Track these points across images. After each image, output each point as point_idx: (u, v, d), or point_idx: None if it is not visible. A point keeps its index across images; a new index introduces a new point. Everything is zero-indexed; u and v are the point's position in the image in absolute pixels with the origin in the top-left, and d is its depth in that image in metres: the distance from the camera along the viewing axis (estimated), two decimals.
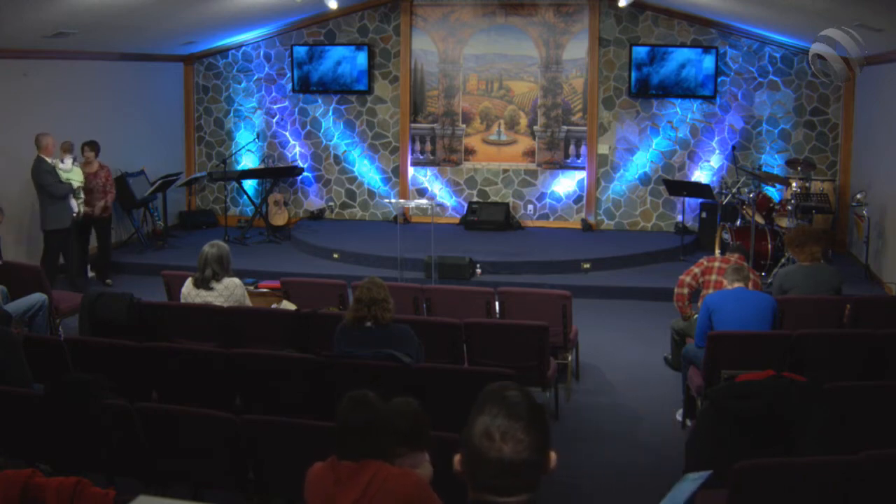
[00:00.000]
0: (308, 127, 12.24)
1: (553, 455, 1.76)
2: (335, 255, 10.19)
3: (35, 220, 9.09)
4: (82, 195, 8.80)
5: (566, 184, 11.70)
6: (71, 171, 8.66)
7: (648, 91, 11.24)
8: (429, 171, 12.02)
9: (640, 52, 11.16)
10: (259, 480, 4.00)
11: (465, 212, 11.74)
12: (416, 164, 12.03)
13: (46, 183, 8.35)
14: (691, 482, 3.04)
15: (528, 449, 1.69)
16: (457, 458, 1.77)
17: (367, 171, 12.17)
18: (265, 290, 7.32)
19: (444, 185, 11.99)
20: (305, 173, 12.26)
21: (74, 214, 8.64)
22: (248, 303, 6.04)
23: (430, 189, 12.01)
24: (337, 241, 10.55)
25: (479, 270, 9.41)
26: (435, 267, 9.07)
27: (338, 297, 6.60)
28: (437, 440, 3.54)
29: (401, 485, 2.85)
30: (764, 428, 4.00)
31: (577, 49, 11.46)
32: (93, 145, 9.10)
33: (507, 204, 11.68)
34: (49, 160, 8.44)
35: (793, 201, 9.27)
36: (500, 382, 1.81)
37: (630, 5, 10.65)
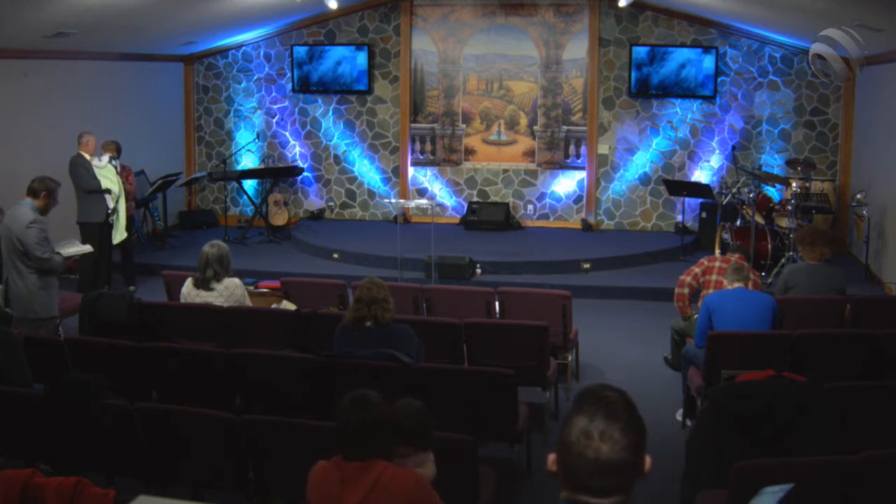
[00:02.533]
0: (308, 127, 12.24)
1: (648, 458, 1.77)
2: (335, 255, 10.19)
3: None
4: (112, 197, 8.76)
5: (566, 184, 11.70)
6: (104, 169, 8.65)
7: (648, 91, 11.24)
8: (429, 171, 12.02)
9: (640, 52, 11.16)
10: (259, 480, 4.00)
11: (465, 212, 11.74)
12: (416, 164, 12.03)
13: (77, 175, 8.40)
14: (770, 496, 3.03)
15: (625, 450, 1.70)
16: (551, 457, 1.77)
17: (367, 171, 12.17)
18: (265, 290, 7.32)
19: (444, 185, 11.99)
20: (305, 173, 12.26)
21: (108, 212, 8.62)
22: (248, 303, 6.04)
23: (430, 189, 12.01)
24: (337, 241, 10.55)
25: (479, 270, 9.41)
26: (435, 267, 9.07)
27: (338, 297, 6.60)
28: (439, 440, 3.54)
29: (404, 485, 2.86)
30: (764, 428, 4.00)
31: (577, 49, 11.46)
32: (109, 146, 9.11)
33: (507, 204, 11.68)
34: (87, 157, 8.47)
35: (793, 201, 9.27)
36: (598, 384, 1.83)
37: (630, 5, 10.65)
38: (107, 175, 8.67)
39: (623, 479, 1.71)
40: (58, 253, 6.42)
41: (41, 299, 6.29)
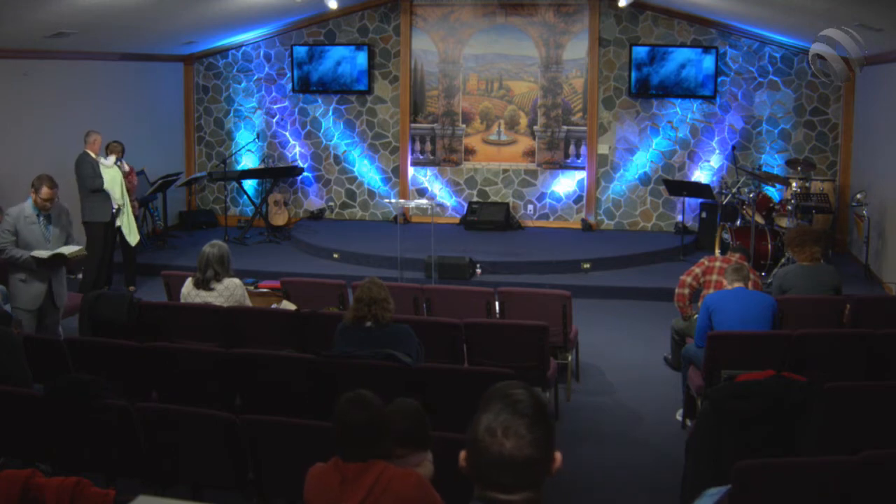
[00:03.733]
0: (308, 127, 12.24)
1: (558, 455, 1.77)
2: (335, 255, 10.19)
3: None
4: (114, 199, 8.75)
5: (566, 184, 11.70)
6: (110, 170, 8.64)
7: (648, 91, 11.24)
8: (429, 171, 12.02)
9: (640, 52, 11.17)
10: (259, 480, 4.00)
11: (465, 212, 11.74)
12: (416, 164, 12.03)
13: (83, 174, 8.39)
14: (710, 497, 3.04)
15: (530, 445, 1.70)
16: (462, 454, 1.79)
17: (367, 171, 12.17)
18: (265, 290, 7.32)
19: (444, 185, 11.99)
20: (305, 173, 12.26)
21: (114, 210, 8.61)
22: (249, 303, 6.04)
23: (430, 189, 12.02)
24: (337, 241, 10.55)
25: (479, 270, 9.41)
26: (435, 267, 9.08)
27: (338, 297, 6.60)
28: (438, 440, 3.54)
29: (404, 485, 2.85)
30: (764, 428, 4.00)
31: (577, 49, 11.46)
32: (113, 147, 9.11)
33: (507, 204, 11.68)
34: (93, 156, 8.47)
35: (793, 201, 9.27)
36: (506, 381, 1.83)
37: (630, 5, 10.65)
38: (112, 176, 8.65)
39: (528, 474, 1.71)
40: (27, 250, 6.22)
41: (8, 290, 6.24)
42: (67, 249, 6.26)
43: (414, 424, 3.26)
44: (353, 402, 2.95)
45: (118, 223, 8.75)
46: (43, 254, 6.12)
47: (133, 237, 8.83)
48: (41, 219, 6.24)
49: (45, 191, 6.11)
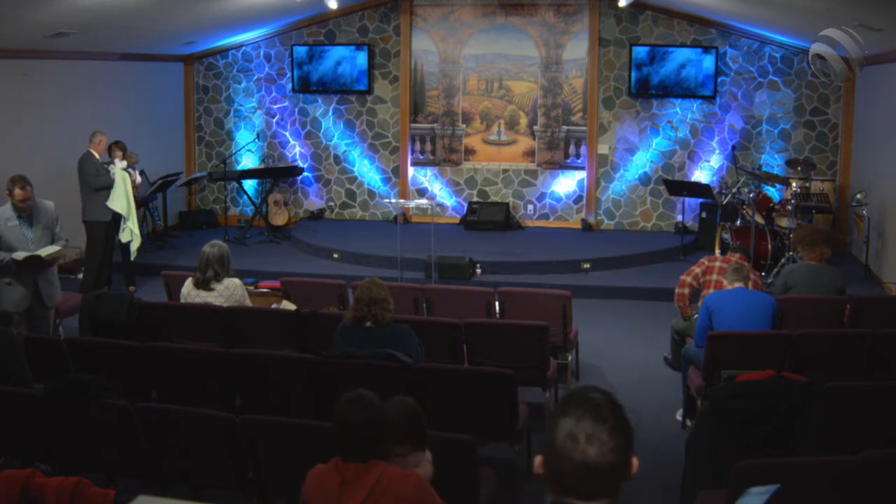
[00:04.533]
0: (308, 127, 12.24)
1: (636, 460, 1.74)
2: (335, 255, 10.19)
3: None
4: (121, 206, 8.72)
5: (566, 184, 11.70)
6: (119, 174, 8.61)
7: (648, 91, 11.24)
8: (429, 171, 12.02)
9: (640, 52, 11.17)
10: (259, 480, 4.00)
11: (465, 212, 11.74)
12: (416, 164, 12.03)
13: (86, 173, 8.37)
14: (756, 497, 3.02)
15: (612, 452, 1.68)
16: (538, 459, 1.76)
17: (367, 171, 12.17)
18: (265, 290, 7.32)
19: (444, 185, 11.99)
20: (305, 173, 12.26)
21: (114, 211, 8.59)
22: (249, 303, 6.04)
23: (430, 189, 12.02)
24: (337, 241, 10.55)
25: (479, 270, 9.41)
26: (435, 267, 9.08)
27: (338, 297, 6.60)
28: (438, 440, 3.54)
29: (404, 485, 2.85)
30: (764, 428, 4.00)
31: (577, 49, 11.46)
32: (120, 145, 9.10)
33: (507, 204, 11.68)
34: (97, 156, 8.44)
35: (793, 201, 9.27)
36: (584, 385, 1.81)
37: (630, 5, 10.65)
38: (121, 178, 8.60)
39: (609, 481, 1.69)
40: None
41: None
42: (45, 251, 6.10)
43: (411, 422, 3.26)
44: (353, 402, 2.94)
45: (123, 238, 8.65)
46: (19, 255, 5.98)
47: (135, 241, 8.75)
48: (21, 220, 6.08)
49: (17, 192, 5.95)
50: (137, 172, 9.53)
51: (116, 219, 8.59)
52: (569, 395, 1.77)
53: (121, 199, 8.50)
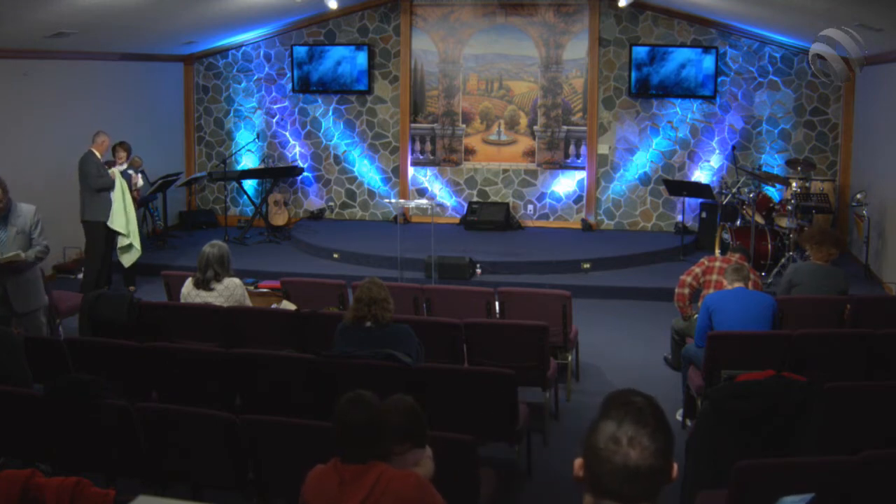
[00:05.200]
0: (308, 127, 12.24)
1: (676, 464, 1.74)
2: (335, 255, 10.19)
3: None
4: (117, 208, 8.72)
5: (566, 184, 11.70)
6: (117, 178, 8.62)
7: (648, 91, 11.24)
8: (429, 171, 12.02)
9: (640, 52, 11.16)
10: (259, 480, 4.00)
11: (465, 212, 11.74)
12: (416, 164, 12.03)
13: (87, 172, 8.33)
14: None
15: (653, 455, 1.67)
16: (578, 462, 1.75)
17: (367, 171, 12.17)
18: (265, 290, 7.32)
19: (444, 185, 11.99)
20: (305, 173, 12.26)
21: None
22: (249, 303, 6.04)
23: (430, 189, 12.02)
24: (337, 241, 10.55)
25: (479, 270, 9.41)
26: (435, 267, 9.07)
27: (338, 297, 6.60)
28: (439, 440, 3.54)
29: (404, 486, 2.85)
30: (764, 428, 4.00)
31: (577, 49, 11.46)
32: (124, 145, 9.10)
33: (507, 204, 11.68)
34: (99, 156, 8.42)
35: (793, 201, 9.27)
36: (624, 388, 1.80)
37: (630, 5, 10.65)
38: (118, 195, 8.59)
39: (650, 484, 1.68)
40: None
41: None
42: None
43: (410, 420, 3.26)
44: (353, 402, 2.94)
45: (124, 260, 8.63)
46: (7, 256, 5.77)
47: (136, 241, 8.73)
48: None
49: None
50: (139, 175, 9.52)
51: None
52: (610, 398, 1.77)
53: (120, 218, 8.46)
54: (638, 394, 1.77)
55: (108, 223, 8.42)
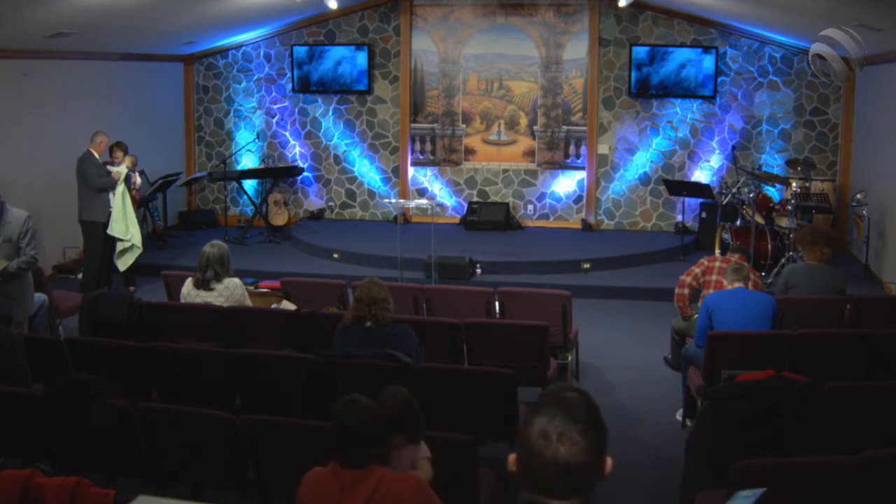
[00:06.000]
0: (308, 127, 12.24)
1: (610, 460, 1.75)
2: (335, 255, 10.19)
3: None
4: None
5: (566, 184, 11.70)
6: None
7: (648, 91, 11.24)
8: (429, 171, 12.02)
9: (640, 52, 11.16)
10: (259, 480, 4.00)
11: (465, 212, 11.74)
12: (416, 164, 12.03)
13: (88, 173, 8.30)
14: (744, 500, 3.03)
15: (584, 451, 1.68)
16: (511, 457, 1.76)
17: (367, 171, 12.17)
18: (265, 290, 7.32)
19: (444, 185, 11.99)
20: (305, 173, 12.26)
21: (110, 210, 8.57)
22: (249, 303, 6.04)
23: (430, 189, 12.02)
24: (337, 241, 10.55)
25: (479, 270, 9.41)
26: (435, 267, 9.08)
27: (338, 297, 6.60)
28: (438, 440, 3.54)
29: (405, 489, 2.84)
30: (764, 428, 4.00)
31: (577, 49, 11.46)
32: (121, 146, 9.10)
33: (507, 204, 11.68)
34: (97, 156, 8.41)
35: (793, 201, 9.27)
36: (560, 384, 1.83)
37: (630, 5, 10.65)
38: (119, 200, 8.58)
39: (581, 480, 1.69)
40: None
41: None
42: None
43: (405, 411, 3.28)
44: (350, 405, 2.95)
45: (120, 264, 8.63)
46: None
47: (135, 255, 8.72)
48: None
49: None
50: (138, 174, 9.52)
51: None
52: (544, 394, 1.78)
53: (119, 224, 8.45)
54: (573, 389, 1.77)
55: (108, 230, 8.41)
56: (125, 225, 8.50)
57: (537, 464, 1.69)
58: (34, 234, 6.02)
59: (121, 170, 8.56)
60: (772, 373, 4.23)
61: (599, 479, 1.73)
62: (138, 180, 9.54)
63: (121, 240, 8.51)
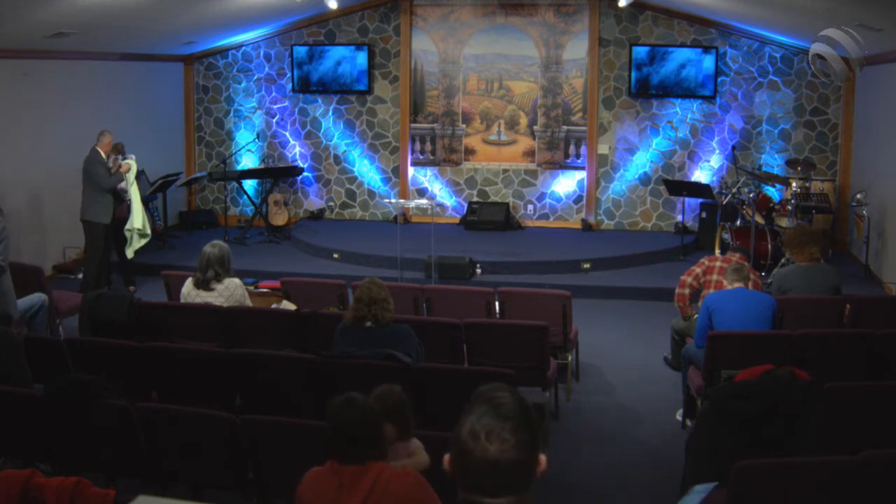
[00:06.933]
0: (308, 127, 12.24)
1: (543, 458, 1.75)
2: (335, 255, 10.19)
3: (37, 220, 9.10)
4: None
5: (566, 184, 11.70)
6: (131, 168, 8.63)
7: (648, 91, 11.24)
8: (429, 171, 12.02)
9: (640, 52, 11.16)
10: (259, 480, 4.00)
11: (465, 212, 11.74)
12: (416, 164, 12.03)
13: (96, 173, 8.27)
14: (697, 494, 3.04)
15: (513, 449, 1.68)
16: (446, 457, 1.78)
17: (367, 171, 12.17)
18: (265, 290, 7.32)
19: (444, 185, 11.99)
20: (305, 173, 12.26)
21: (114, 212, 8.55)
22: (249, 303, 6.04)
23: (430, 189, 12.02)
24: (337, 241, 10.55)
25: (479, 270, 9.41)
26: (435, 267, 9.08)
27: (338, 297, 6.60)
28: (437, 440, 3.54)
29: (403, 485, 2.85)
30: (764, 428, 4.00)
31: (577, 49, 11.46)
32: (118, 147, 9.09)
33: (507, 204, 11.68)
34: (104, 155, 8.40)
35: (793, 201, 9.27)
36: (492, 384, 1.81)
37: (630, 5, 10.65)
38: (135, 193, 8.64)
39: (513, 478, 1.70)
40: None
41: None
42: None
43: (396, 403, 3.35)
44: (347, 403, 2.97)
45: (129, 251, 8.67)
46: None
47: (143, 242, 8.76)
48: None
49: None
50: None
51: (115, 222, 8.57)
52: (475, 393, 1.78)
53: (139, 216, 8.60)
54: (502, 388, 1.78)
55: (128, 225, 8.50)
56: (143, 217, 8.57)
57: (468, 462, 1.70)
58: (7, 239, 6.00)
59: (130, 161, 8.55)
60: (770, 367, 4.23)
61: (533, 476, 1.73)
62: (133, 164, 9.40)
63: (140, 231, 8.56)
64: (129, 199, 8.61)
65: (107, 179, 8.30)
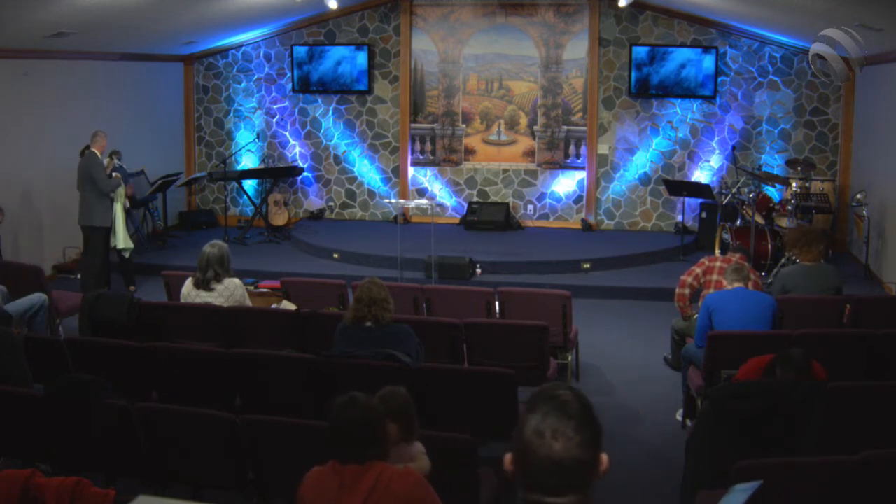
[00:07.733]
0: (308, 127, 12.24)
1: (605, 456, 1.76)
2: (335, 255, 10.19)
3: (37, 220, 9.08)
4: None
5: (566, 184, 11.70)
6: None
7: (648, 91, 11.24)
8: (429, 171, 12.02)
9: (640, 52, 11.16)
10: (259, 480, 4.00)
11: (465, 212, 11.74)
12: (416, 164, 12.03)
13: (98, 176, 8.23)
14: (741, 493, 3.03)
15: (578, 447, 1.69)
16: (507, 457, 1.78)
17: (367, 171, 12.17)
18: (265, 290, 7.32)
19: (444, 185, 11.99)
20: (305, 173, 12.26)
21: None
22: (249, 303, 6.04)
23: (430, 189, 12.01)
24: (337, 241, 10.55)
25: (479, 270, 9.41)
26: (435, 267, 9.08)
27: (338, 297, 6.60)
28: (437, 439, 3.55)
29: (404, 485, 2.85)
30: (764, 428, 4.00)
31: (577, 49, 11.46)
32: (116, 153, 9.09)
33: (507, 204, 11.68)
34: (99, 156, 8.39)
35: (793, 201, 9.27)
36: (553, 383, 1.85)
37: (630, 5, 10.65)
38: (119, 208, 8.63)
39: (576, 477, 1.71)
40: None
41: None
42: None
43: (399, 403, 3.34)
44: (348, 403, 2.96)
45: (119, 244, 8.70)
46: None
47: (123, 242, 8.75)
48: None
49: None
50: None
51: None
52: (536, 393, 1.79)
53: (121, 234, 8.61)
54: (565, 387, 1.79)
55: (113, 245, 8.51)
56: (124, 236, 8.60)
57: (532, 461, 1.70)
58: None
59: (118, 175, 8.55)
60: (772, 357, 4.24)
61: (595, 475, 1.74)
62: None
63: (122, 249, 8.60)
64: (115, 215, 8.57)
65: (106, 183, 8.30)
